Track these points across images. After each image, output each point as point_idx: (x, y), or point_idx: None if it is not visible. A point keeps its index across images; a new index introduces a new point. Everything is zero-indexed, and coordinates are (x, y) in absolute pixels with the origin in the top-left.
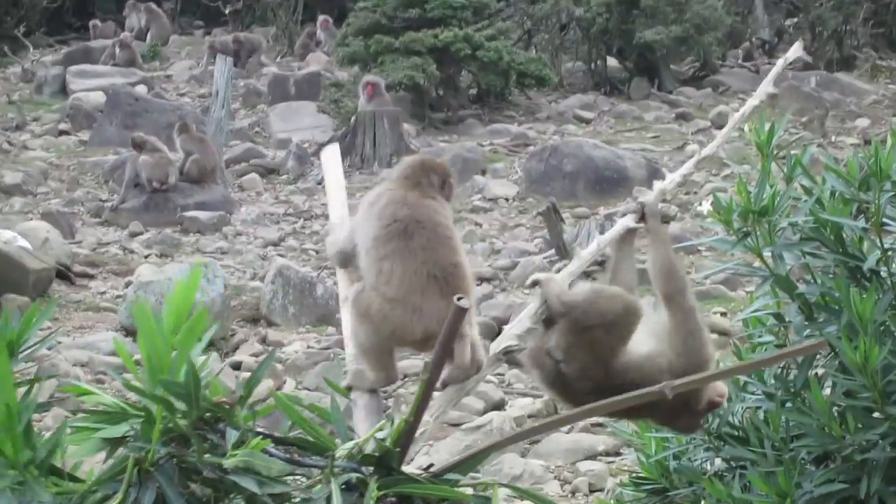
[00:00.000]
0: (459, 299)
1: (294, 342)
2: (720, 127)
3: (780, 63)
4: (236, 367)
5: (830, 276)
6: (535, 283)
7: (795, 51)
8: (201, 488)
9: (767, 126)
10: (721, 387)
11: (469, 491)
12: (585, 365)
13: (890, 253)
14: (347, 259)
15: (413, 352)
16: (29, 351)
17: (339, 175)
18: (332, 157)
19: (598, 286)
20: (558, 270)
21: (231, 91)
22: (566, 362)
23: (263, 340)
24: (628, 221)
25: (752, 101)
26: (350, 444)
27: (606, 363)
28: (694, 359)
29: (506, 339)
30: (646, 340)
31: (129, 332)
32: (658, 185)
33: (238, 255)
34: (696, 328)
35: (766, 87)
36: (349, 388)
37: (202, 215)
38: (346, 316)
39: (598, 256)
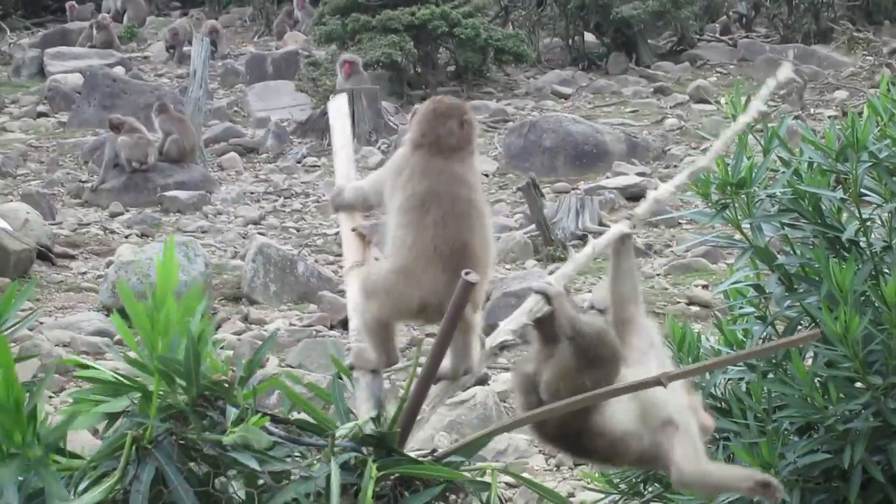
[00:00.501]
0: (467, 274)
1: (276, 320)
2: (699, 101)
3: (769, 83)
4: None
5: (809, 246)
6: (543, 296)
7: (785, 73)
8: (200, 465)
9: (744, 99)
10: (708, 419)
11: (467, 475)
12: (565, 416)
13: (868, 223)
14: (368, 205)
15: (416, 325)
16: (9, 331)
17: (347, 128)
18: (339, 108)
19: (605, 325)
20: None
21: (209, 71)
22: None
23: (245, 319)
24: (622, 227)
25: (744, 119)
26: (350, 425)
27: (584, 420)
28: None
29: (502, 334)
30: (628, 415)
31: (110, 311)
32: (651, 194)
33: (219, 233)
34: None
35: (757, 104)
36: (351, 367)
37: (182, 195)
38: (351, 291)
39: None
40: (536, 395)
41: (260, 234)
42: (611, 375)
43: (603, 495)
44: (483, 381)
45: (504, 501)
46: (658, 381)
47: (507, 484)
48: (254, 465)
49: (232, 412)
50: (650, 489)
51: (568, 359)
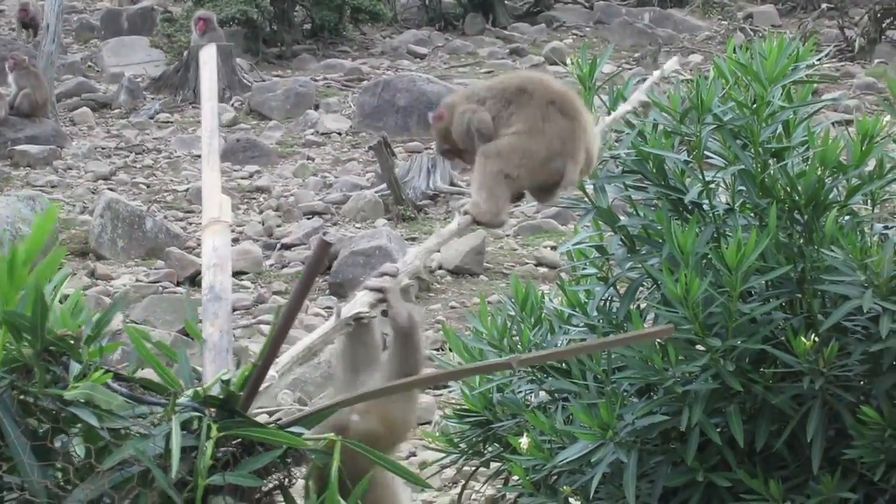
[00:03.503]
0: (325, 234)
1: (123, 275)
2: (553, 63)
3: (656, 74)
4: (62, 300)
5: (652, 208)
6: (379, 291)
7: (672, 64)
8: (39, 422)
9: (589, 59)
10: None
11: (309, 442)
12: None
13: (712, 185)
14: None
15: (538, 189)
16: None
17: (214, 79)
18: (209, 59)
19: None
20: (401, 223)
21: (62, 25)
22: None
23: (92, 274)
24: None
25: (625, 107)
26: (193, 390)
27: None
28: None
29: (358, 305)
30: None
31: None
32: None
33: (68, 188)
34: None
35: (639, 95)
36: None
37: (32, 149)
38: (207, 246)
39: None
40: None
41: (110, 189)
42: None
43: (444, 454)
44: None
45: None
46: (508, 364)
47: None
48: (93, 421)
49: (76, 368)
50: (490, 448)
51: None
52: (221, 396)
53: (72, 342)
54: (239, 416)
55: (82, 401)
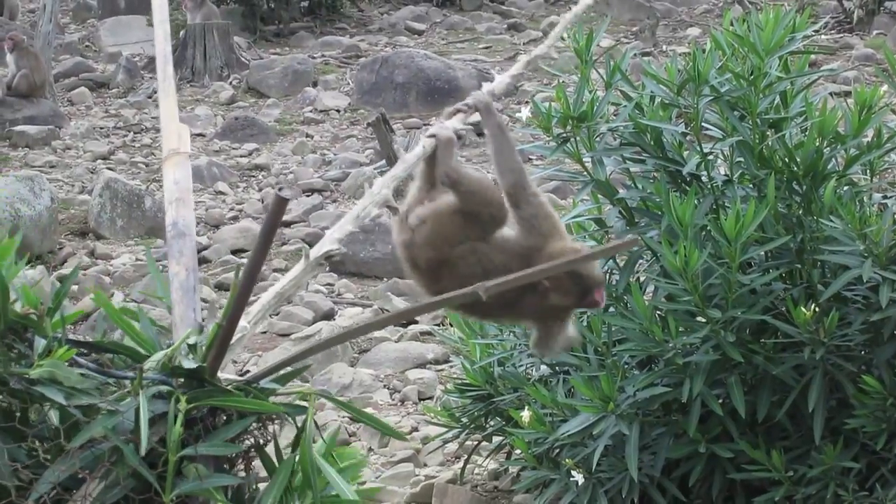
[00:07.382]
0: (280, 189)
1: (122, 255)
2: None
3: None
4: (63, 280)
5: (651, 180)
6: (432, 136)
7: None
8: (9, 400)
9: (587, 33)
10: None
11: (285, 400)
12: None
13: (710, 157)
14: None
15: None
16: None
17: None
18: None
19: (488, 177)
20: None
21: (59, 5)
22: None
23: (91, 254)
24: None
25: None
26: (160, 355)
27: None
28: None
29: (327, 243)
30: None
31: None
32: (487, 86)
33: (67, 168)
34: (542, 213)
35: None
36: None
37: (31, 130)
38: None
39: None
40: (410, 230)
41: (109, 168)
42: (498, 224)
43: (446, 429)
44: (329, 316)
45: (349, 435)
46: (476, 293)
47: (350, 418)
48: (60, 399)
49: (40, 343)
50: (492, 423)
51: (448, 204)
52: (188, 366)
53: (35, 318)
54: (208, 383)
55: (48, 379)
